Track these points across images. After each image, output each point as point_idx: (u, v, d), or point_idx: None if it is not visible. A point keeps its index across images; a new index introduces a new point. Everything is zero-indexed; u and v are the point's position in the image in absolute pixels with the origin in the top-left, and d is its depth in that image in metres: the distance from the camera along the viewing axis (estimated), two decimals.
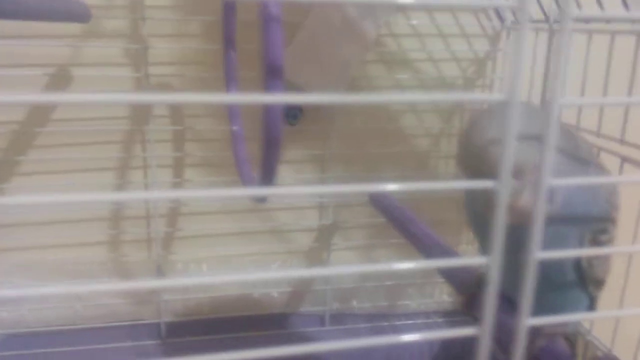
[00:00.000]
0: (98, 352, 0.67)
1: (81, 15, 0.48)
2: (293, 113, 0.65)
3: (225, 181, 0.65)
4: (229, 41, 0.48)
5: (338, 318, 0.73)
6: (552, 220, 0.28)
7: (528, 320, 0.21)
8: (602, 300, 0.48)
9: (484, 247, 0.35)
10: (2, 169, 0.62)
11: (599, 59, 0.49)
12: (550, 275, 0.32)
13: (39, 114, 0.61)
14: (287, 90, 0.29)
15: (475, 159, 0.29)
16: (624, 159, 0.46)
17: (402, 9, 0.63)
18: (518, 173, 0.28)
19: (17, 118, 0.61)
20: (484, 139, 0.29)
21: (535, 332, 0.32)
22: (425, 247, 0.44)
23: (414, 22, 0.65)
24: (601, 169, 0.33)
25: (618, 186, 0.33)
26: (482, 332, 0.21)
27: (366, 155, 0.68)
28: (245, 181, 0.44)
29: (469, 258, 0.21)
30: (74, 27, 0.59)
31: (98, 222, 0.66)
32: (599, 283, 0.34)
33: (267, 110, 0.29)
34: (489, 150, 0.28)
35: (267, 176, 0.33)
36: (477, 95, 0.66)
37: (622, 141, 0.46)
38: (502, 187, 0.20)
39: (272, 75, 0.28)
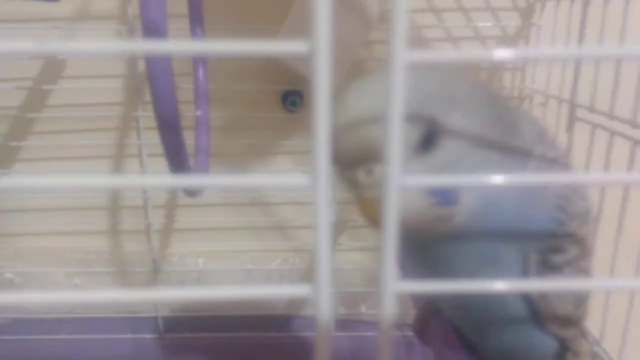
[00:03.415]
0: (95, 342, 0.66)
1: None
2: (292, 100, 0.60)
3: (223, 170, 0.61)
4: (195, 15, 0.43)
5: (345, 324, 0.67)
6: (467, 234, 0.21)
7: (395, 285, 0.15)
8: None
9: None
10: None
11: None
12: (491, 308, 0.24)
13: (33, 100, 0.60)
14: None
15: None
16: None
17: None
18: (363, 160, 0.21)
19: (10, 104, 0.60)
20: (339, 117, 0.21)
21: None
22: None
23: None
24: (551, 165, 0.24)
25: (579, 189, 0.24)
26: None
27: None
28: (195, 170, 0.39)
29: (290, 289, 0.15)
30: (63, 10, 0.57)
31: (96, 211, 0.65)
32: (565, 321, 0.25)
33: (153, 87, 0.24)
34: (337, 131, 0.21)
35: (175, 164, 0.27)
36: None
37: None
38: (319, 183, 0.13)
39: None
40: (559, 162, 0.25)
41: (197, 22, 0.42)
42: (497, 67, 0.59)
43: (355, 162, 0.21)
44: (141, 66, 0.58)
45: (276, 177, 0.14)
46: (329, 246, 0.14)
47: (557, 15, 0.53)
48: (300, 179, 0.13)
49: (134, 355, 0.67)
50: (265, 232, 0.65)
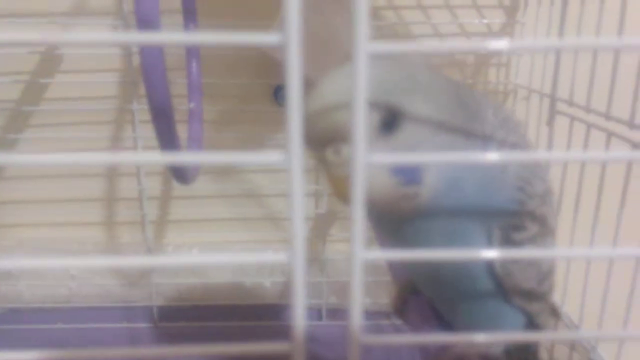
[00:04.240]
0: (91, 332, 0.68)
1: None
2: (282, 93, 0.61)
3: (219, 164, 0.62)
4: (188, 10, 0.44)
5: (336, 313, 0.69)
6: (433, 212, 0.23)
7: (363, 253, 0.17)
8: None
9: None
10: None
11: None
12: (460, 282, 0.26)
13: (29, 93, 0.62)
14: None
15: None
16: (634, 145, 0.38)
17: None
18: (332, 141, 0.23)
19: (7, 97, 0.62)
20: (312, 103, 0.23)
21: (443, 351, 0.26)
22: None
23: None
24: (511, 148, 0.26)
25: (540, 169, 0.26)
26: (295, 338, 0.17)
27: None
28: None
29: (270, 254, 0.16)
30: (60, 6, 0.58)
31: (92, 203, 0.66)
32: (529, 295, 0.27)
33: (146, 72, 0.26)
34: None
35: (167, 149, 0.29)
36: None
37: (631, 125, 0.38)
38: (291, 161, 0.15)
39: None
40: (520, 146, 0.27)
41: (190, 17, 0.43)
42: (483, 62, 0.61)
43: (324, 142, 0.23)
44: (136, 60, 0.59)
45: (255, 155, 0.16)
46: (302, 215, 0.15)
47: (539, 12, 0.55)
48: (275, 156, 0.15)
49: (129, 344, 0.69)
50: (257, 223, 0.67)
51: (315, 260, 0.67)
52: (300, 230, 0.16)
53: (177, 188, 0.66)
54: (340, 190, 0.24)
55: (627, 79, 0.39)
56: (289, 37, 0.14)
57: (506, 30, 0.60)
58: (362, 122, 0.15)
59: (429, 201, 0.24)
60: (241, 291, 0.68)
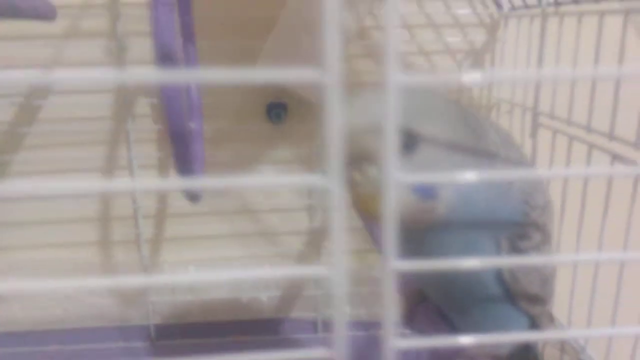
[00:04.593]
0: (88, 353, 0.68)
1: (46, 13, 0.48)
2: (277, 112, 0.63)
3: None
4: (187, 34, 0.46)
5: (331, 325, 0.70)
6: (448, 225, 0.25)
7: (394, 264, 0.18)
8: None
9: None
10: None
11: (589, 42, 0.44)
12: (471, 288, 0.28)
13: (23, 115, 0.62)
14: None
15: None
16: (615, 157, 0.41)
17: None
18: (358, 162, 0.25)
19: (1, 118, 0.62)
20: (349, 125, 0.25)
21: (456, 353, 0.28)
22: None
23: (402, 11, 0.61)
24: (515, 165, 0.28)
25: (540, 182, 0.28)
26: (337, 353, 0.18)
27: None
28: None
29: (310, 268, 0.18)
30: (53, 28, 0.59)
31: (86, 223, 0.66)
32: (533, 298, 0.29)
33: (165, 100, 0.27)
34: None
35: (183, 172, 0.31)
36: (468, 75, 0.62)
37: (611, 137, 0.41)
38: (332, 182, 0.17)
39: (164, 59, 0.26)
40: (522, 162, 0.29)
41: (189, 39, 0.45)
42: None
43: (351, 163, 0.25)
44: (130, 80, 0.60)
45: (296, 177, 0.17)
46: (342, 231, 0.17)
47: (519, 30, 0.58)
48: (316, 179, 0.17)
49: None
50: (252, 239, 0.68)
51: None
52: (340, 245, 0.17)
53: (172, 205, 0.66)
54: (366, 206, 0.26)
55: (607, 92, 0.42)
56: (329, 75, 0.16)
57: (488, 47, 0.63)
58: (392, 144, 0.17)
59: (445, 215, 0.26)
60: (238, 306, 0.69)
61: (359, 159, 0.26)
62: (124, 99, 0.61)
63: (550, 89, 0.50)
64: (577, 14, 0.45)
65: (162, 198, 0.66)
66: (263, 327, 0.70)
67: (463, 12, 0.61)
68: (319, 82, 0.16)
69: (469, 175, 0.19)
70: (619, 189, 0.41)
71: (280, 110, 0.63)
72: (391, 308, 0.18)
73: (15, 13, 0.46)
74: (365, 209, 0.26)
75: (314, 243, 0.68)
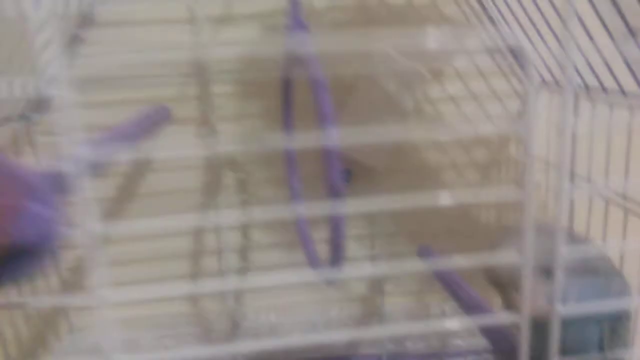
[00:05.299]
0: None
1: (166, 119, 0.58)
2: (343, 177, 0.73)
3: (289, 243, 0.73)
4: (288, 119, 0.56)
5: (395, 358, 0.79)
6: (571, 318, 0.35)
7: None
8: None
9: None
10: None
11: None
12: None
13: (123, 190, 0.72)
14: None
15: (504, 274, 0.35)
16: None
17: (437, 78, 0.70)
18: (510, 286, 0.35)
19: (103, 194, 0.72)
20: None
21: None
22: (466, 304, 0.50)
23: (449, 89, 0.72)
24: (613, 279, 0.39)
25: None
26: None
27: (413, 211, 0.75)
28: (312, 262, 0.51)
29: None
30: None
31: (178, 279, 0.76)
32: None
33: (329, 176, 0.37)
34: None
35: (337, 256, 0.39)
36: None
37: None
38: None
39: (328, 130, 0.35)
40: (621, 275, 0.41)
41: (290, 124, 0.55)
42: (505, 140, 0.74)
43: (508, 285, 0.36)
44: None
45: (493, 317, 0.27)
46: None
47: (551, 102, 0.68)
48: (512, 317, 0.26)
49: None
50: (323, 285, 0.77)
51: (374, 314, 0.78)
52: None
53: (251, 257, 0.76)
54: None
55: None
56: (527, 259, 0.26)
57: (522, 115, 0.73)
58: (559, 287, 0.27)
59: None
60: (314, 346, 0.78)
61: (513, 284, 0.36)
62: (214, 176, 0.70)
63: (585, 152, 0.59)
64: (608, 103, 0.55)
65: (243, 253, 0.76)
66: None
67: (500, 87, 0.72)
68: (517, 263, 0.26)
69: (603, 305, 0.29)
70: None
71: (347, 175, 0.73)
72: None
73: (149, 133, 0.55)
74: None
75: (376, 287, 0.78)
